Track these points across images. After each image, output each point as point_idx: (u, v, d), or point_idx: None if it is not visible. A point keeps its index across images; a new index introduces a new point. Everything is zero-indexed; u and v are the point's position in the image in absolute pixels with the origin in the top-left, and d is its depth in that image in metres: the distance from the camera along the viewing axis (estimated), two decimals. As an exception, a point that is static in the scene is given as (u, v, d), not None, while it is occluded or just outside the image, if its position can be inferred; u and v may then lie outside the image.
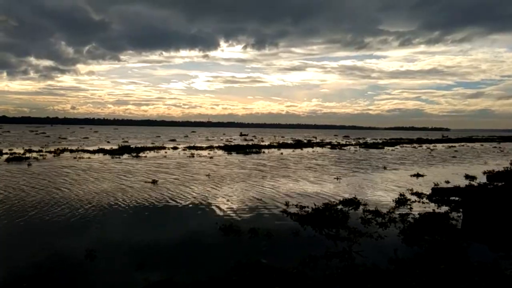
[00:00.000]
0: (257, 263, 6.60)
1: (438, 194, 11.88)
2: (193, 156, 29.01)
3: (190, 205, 11.60)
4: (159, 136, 73.52)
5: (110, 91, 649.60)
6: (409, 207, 11.68)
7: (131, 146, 35.73)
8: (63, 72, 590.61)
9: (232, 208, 11.33)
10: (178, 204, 11.79)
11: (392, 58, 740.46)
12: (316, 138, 78.55)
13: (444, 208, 11.35)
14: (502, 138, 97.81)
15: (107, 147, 35.47)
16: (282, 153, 34.18)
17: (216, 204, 11.81)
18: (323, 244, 7.80)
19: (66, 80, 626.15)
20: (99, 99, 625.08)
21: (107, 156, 27.65)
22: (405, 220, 9.87)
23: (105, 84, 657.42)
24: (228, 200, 12.42)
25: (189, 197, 12.82)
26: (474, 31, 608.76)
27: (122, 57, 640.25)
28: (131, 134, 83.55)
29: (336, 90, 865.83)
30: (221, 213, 10.62)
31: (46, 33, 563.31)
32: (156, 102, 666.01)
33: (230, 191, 14.15)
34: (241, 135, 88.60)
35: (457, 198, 11.36)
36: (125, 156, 28.29)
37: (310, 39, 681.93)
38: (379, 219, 9.94)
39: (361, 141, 66.34)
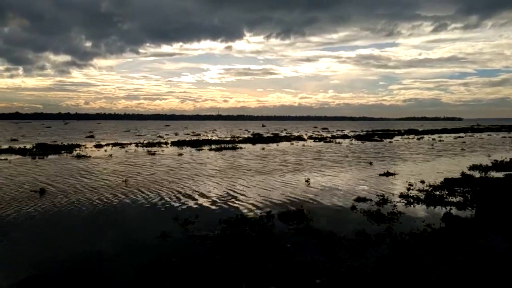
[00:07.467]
0: None
1: (450, 185, 12.31)
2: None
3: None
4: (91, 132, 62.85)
5: (120, 85, 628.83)
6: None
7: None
8: (80, 67, 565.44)
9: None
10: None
11: (411, 46, 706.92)
12: (285, 130, 73.92)
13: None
14: (506, 127, 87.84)
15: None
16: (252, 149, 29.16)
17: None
18: None
19: (76, 75, 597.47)
20: (110, 94, 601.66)
21: None
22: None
23: (115, 79, 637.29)
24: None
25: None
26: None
27: (140, 50, 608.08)
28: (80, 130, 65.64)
29: (351, 80, 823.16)
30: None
31: (64, 27, 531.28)
32: (167, 96, 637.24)
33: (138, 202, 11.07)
34: (262, 126, 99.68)
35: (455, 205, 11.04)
36: None
37: (338, 27, 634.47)
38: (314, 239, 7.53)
39: (338, 133, 61.25)
